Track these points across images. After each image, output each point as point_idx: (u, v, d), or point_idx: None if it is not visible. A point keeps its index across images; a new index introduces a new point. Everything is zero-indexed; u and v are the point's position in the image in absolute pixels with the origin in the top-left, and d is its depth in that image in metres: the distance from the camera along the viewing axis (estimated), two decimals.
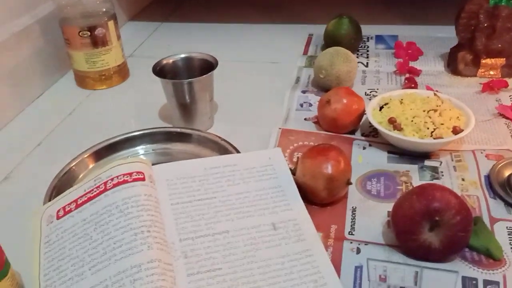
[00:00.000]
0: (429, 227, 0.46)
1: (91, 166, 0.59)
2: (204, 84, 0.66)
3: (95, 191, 0.48)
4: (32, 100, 0.80)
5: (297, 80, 0.82)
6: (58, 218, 0.48)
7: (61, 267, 0.44)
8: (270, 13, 1.12)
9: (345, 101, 0.64)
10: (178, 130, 0.63)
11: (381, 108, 0.65)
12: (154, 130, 0.63)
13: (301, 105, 0.74)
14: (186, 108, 0.67)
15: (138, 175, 0.49)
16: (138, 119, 0.74)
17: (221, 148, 0.60)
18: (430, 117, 0.61)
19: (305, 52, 0.92)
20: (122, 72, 0.85)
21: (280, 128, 0.68)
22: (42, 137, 0.70)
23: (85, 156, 0.59)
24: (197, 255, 0.45)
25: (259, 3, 1.18)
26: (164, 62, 0.68)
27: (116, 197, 0.46)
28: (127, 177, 0.48)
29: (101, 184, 0.48)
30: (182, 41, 1.01)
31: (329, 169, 0.52)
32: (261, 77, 0.85)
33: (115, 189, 0.47)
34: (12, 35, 0.75)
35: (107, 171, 0.49)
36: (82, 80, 0.83)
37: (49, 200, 0.52)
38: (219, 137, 0.61)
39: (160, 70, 0.67)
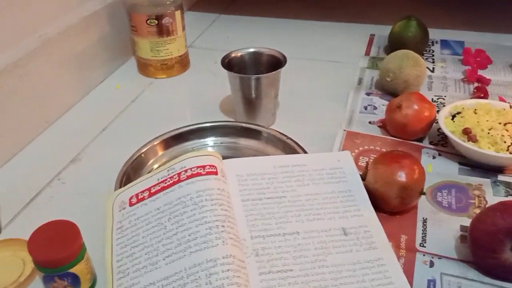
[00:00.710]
0: (511, 246, 0.44)
1: (160, 153, 0.60)
2: (271, 80, 0.65)
3: (169, 181, 0.48)
4: (96, 84, 0.82)
5: (360, 81, 0.80)
6: (131, 205, 0.49)
7: (134, 254, 0.45)
8: (330, 11, 1.10)
9: (416, 107, 0.62)
10: (245, 125, 0.63)
11: (453, 116, 0.63)
12: (224, 123, 0.63)
13: (365, 108, 0.72)
14: (251, 103, 0.66)
15: (211, 168, 0.49)
16: (200, 110, 0.74)
17: (287, 146, 0.60)
18: (507, 130, 0.58)
19: (367, 53, 0.90)
20: (183, 62, 0.85)
21: (345, 130, 0.66)
22: (107, 122, 0.72)
23: (155, 143, 0.59)
24: (268, 254, 0.45)
25: (319, 0, 1.16)
26: (233, 55, 0.68)
27: (190, 189, 0.47)
28: (200, 169, 0.48)
29: (174, 175, 0.49)
30: (240, 34, 1.00)
31: (403, 177, 0.51)
32: (322, 76, 0.83)
33: (189, 180, 0.47)
34: (81, 19, 0.77)
35: (181, 162, 0.49)
36: (145, 67, 0.84)
37: (120, 185, 0.53)
38: (286, 136, 0.60)
39: (228, 63, 0.66)
